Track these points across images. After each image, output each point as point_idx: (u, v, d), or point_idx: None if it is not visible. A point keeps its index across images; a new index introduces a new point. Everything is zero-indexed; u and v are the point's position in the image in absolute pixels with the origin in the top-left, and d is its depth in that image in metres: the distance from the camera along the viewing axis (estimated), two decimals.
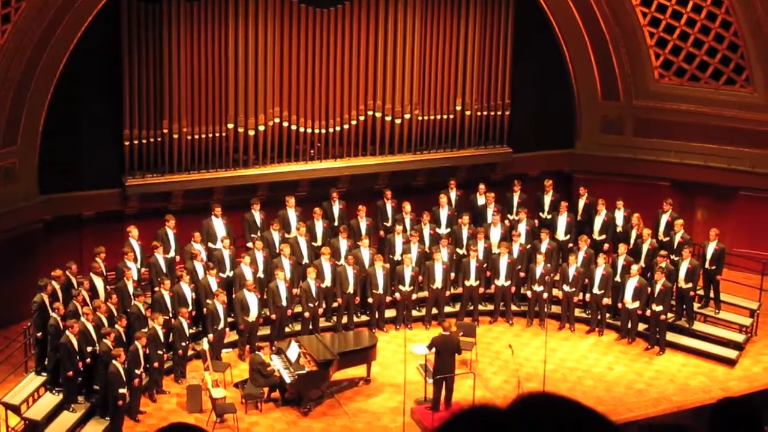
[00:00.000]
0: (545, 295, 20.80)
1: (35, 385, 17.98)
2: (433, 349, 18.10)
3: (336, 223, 21.39)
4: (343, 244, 20.87)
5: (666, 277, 19.98)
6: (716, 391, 18.92)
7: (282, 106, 21.85)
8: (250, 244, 20.64)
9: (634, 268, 20.18)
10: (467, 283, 20.94)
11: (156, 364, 18.22)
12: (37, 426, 17.22)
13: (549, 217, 22.29)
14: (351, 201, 21.75)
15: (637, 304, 20.23)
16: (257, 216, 21.01)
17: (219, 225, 20.61)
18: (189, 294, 19.22)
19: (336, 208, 21.60)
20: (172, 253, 20.22)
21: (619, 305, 20.52)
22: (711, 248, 20.90)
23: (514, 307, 21.43)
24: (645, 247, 21.06)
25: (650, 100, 23.74)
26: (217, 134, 21.52)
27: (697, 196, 23.60)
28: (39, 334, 18.05)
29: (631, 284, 20.18)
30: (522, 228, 21.57)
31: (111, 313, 18.31)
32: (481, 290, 21.04)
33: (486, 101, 23.30)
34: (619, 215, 21.87)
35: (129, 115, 20.76)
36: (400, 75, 22.52)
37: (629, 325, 20.55)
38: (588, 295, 20.81)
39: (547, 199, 22.44)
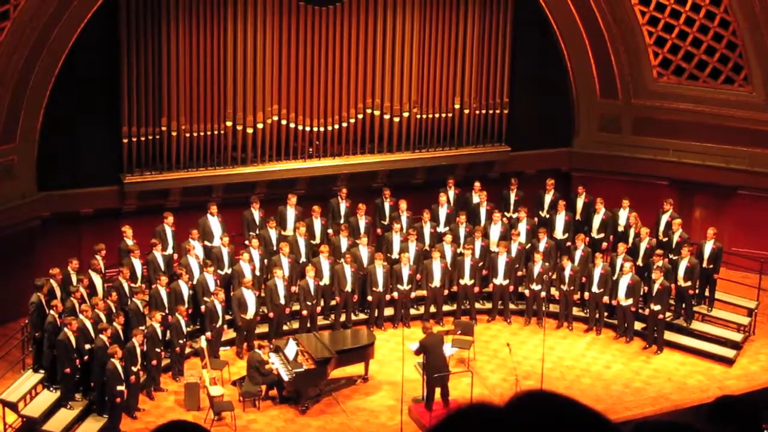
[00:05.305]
0: (543, 293, 20.80)
1: (33, 382, 17.97)
2: (422, 354, 18.11)
3: (342, 221, 21.39)
4: (344, 242, 20.87)
5: (664, 276, 19.98)
6: (714, 389, 18.93)
7: (281, 104, 21.84)
8: (248, 242, 20.65)
9: (627, 265, 20.19)
10: (462, 282, 20.94)
11: (154, 362, 18.22)
12: (35, 423, 17.21)
13: (548, 216, 22.28)
14: (350, 199, 21.76)
15: (630, 301, 20.25)
16: (256, 214, 21.01)
17: (215, 223, 20.61)
18: (187, 291, 19.22)
19: (343, 206, 21.61)
20: (170, 251, 20.23)
21: (613, 302, 20.54)
22: (708, 247, 20.89)
23: (512, 306, 21.43)
24: (643, 246, 21.06)
25: (649, 99, 23.72)
26: (216, 132, 21.50)
27: (695, 195, 23.58)
28: (37, 334, 18.03)
29: (624, 281, 20.20)
30: (522, 227, 21.57)
31: (109, 310, 18.31)
32: (476, 289, 21.02)
33: (484, 100, 23.28)
34: (623, 214, 21.82)
35: (127, 112, 20.75)
36: (399, 73, 22.50)
37: (625, 324, 20.57)
38: (587, 294, 20.81)
39: (548, 198, 22.41)
